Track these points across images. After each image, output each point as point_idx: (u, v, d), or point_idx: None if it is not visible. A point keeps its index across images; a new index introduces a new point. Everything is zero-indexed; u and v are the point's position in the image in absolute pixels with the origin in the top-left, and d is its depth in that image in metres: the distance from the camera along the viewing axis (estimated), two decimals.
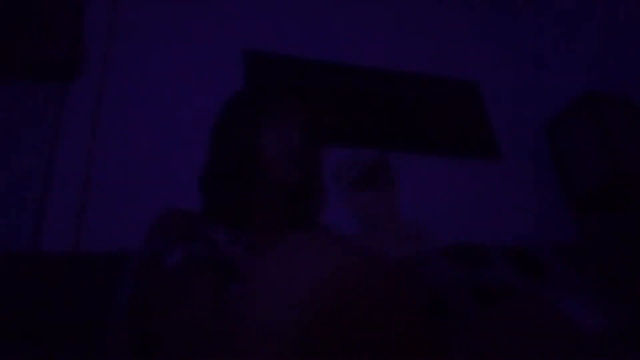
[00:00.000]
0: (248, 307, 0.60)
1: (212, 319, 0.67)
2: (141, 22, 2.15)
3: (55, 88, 1.88)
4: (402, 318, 0.60)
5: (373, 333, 0.57)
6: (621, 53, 2.35)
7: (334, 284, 0.56)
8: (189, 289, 0.72)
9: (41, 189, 1.71)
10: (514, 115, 2.62)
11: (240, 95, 1.04)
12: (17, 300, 0.95)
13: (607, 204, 2.24)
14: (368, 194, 1.06)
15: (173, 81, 2.07)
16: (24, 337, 0.90)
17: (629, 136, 2.21)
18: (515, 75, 2.77)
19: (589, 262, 1.38)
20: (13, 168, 1.71)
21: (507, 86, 2.70)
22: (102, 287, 0.94)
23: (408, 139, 2.33)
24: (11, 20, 1.84)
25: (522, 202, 2.35)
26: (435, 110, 2.45)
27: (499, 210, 2.27)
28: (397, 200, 1.09)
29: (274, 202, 0.95)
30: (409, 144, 2.31)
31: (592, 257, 1.45)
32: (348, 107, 2.29)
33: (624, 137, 2.20)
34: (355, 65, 2.42)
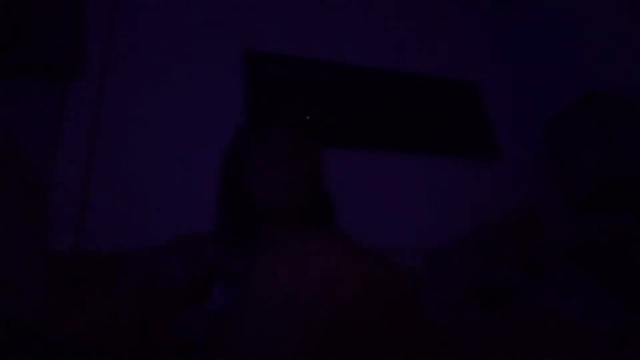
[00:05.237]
0: (249, 310, 0.60)
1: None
2: (142, 22, 2.15)
3: (55, 88, 1.88)
4: (407, 317, 0.60)
5: (378, 332, 0.56)
6: (621, 53, 2.35)
7: (338, 285, 0.56)
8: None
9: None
10: (514, 115, 2.62)
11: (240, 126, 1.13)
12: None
13: (608, 204, 2.24)
14: None
15: (173, 81, 2.06)
16: (23, 337, 0.90)
17: (629, 136, 2.21)
18: (515, 75, 2.77)
19: (589, 262, 1.38)
20: None
21: (507, 86, 2.70)
22: (101, 286, 0.94)
23: (408, 139, 2.32)
24: (12, 20, 1.84)
25: (522, 202, 2.34)
26: (435, 110, 2.45)
27: (499, 210, 2.27)
28: None
29: (275, 214, 0.96)
30: (409, 144, 2.31)
31: (592, 257, 1.45)
32: (348, 107, 2.29)
33: (624, 137, 2.20)
34: (355, 65, 2.42)
